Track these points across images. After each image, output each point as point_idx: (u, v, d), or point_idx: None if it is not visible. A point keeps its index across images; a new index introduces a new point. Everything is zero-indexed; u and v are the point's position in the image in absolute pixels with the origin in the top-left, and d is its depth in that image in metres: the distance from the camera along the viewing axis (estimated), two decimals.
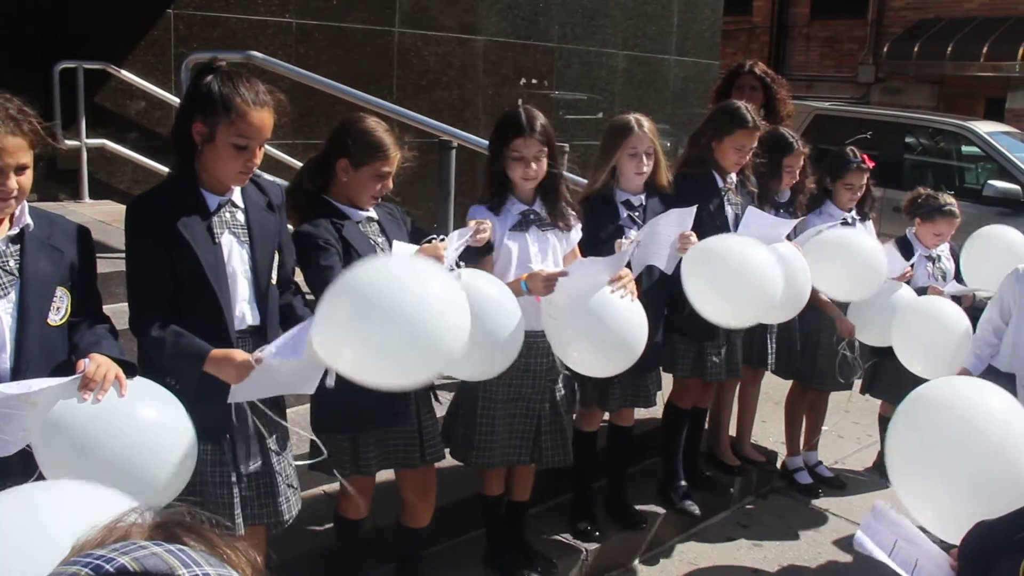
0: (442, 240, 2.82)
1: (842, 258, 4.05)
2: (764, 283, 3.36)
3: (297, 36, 6.25)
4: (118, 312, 2.43)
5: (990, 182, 7.63)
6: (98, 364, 2.06)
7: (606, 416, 3.93)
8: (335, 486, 3.14)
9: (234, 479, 2.44)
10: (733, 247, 3.41)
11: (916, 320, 4.09)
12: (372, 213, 2.91)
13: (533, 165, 3.13)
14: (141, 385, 2.16)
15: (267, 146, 5.49)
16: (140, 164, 5.60)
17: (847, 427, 5.63)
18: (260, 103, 2.35)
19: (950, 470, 2.33)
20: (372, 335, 2.18)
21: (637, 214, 3.57)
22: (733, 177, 3.95)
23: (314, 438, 2.61)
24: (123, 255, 2.43)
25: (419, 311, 2.18)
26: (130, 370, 2.14)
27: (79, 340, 2.19)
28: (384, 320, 2.16)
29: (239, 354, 2.31)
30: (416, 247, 2.78)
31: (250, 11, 6.03)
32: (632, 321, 3.05)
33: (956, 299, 4.42)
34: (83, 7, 5.40)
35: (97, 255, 2.33)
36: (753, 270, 3.35)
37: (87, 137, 5.56)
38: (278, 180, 4.96)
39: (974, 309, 4.29)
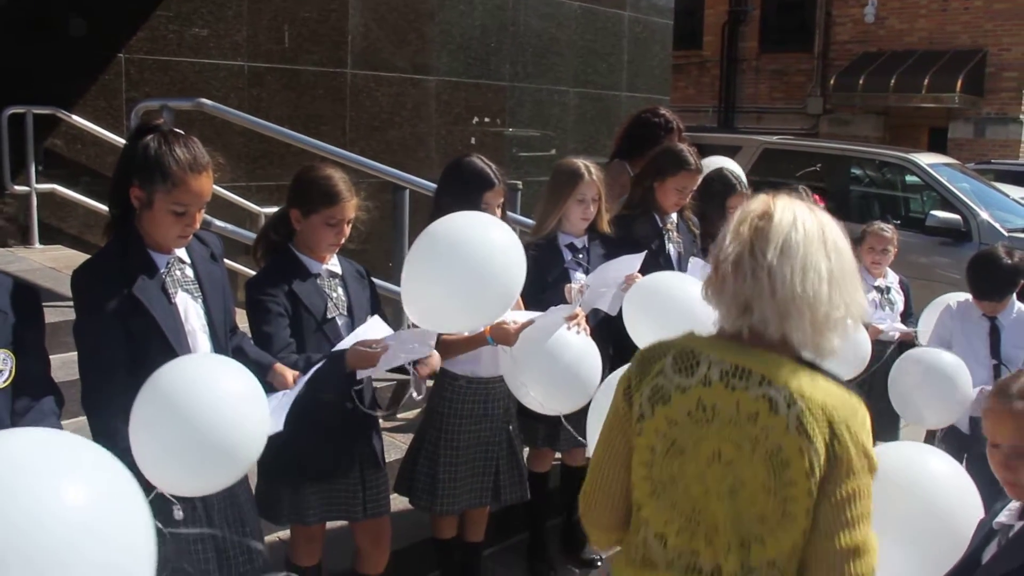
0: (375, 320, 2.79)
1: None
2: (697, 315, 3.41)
3: (249, 79, 6.28)
4: (69, 362, 2.38)
5: (932, 212, 7.77)
6: None
7: (558, 455, 3.97)
8: (287, 533, 3.14)
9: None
10: (670, 283, 3.39)
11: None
12: (336, 268, 2.90)
13: (497, 212, 3.18)
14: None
15: (221, 188, 5.56)
16: (91, 208, 5.58)
17: None
18: (199, 168, 2.27)
19: (890, 534, 2.43)
20: None
21: (581, 256, 3.64)
22: (674, 217, 4.03)
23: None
24: (71, 303, 2.35)
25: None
26: None
27: (21, 413, 2.10)
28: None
29: None
30: (384, 326, 2.78)
31: (201, 55, 6.05)
32: (589, 356, 3.11)
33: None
34: (32, 51, 5.39)
35: (46, 304, 2.25)
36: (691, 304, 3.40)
37: (37, 182, 5.54)
38: (226, 225, 5.01)
39: (911, 346, 4.42)
